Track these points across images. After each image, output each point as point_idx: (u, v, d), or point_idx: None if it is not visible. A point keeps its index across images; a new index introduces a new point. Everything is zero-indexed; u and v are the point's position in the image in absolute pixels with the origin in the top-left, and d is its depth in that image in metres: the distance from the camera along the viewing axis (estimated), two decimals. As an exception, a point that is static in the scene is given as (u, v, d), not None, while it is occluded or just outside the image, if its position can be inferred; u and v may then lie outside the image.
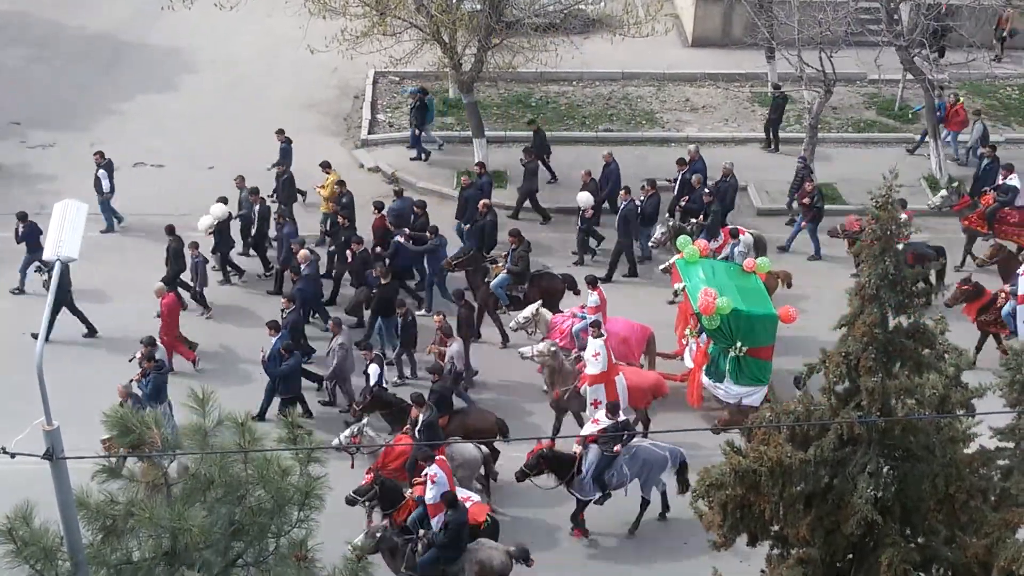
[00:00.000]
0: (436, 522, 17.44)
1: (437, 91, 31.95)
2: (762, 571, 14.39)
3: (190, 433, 10.34)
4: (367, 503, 18.21)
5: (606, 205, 26.40)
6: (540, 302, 22.45)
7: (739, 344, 20.93)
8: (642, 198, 25.49)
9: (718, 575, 14.38)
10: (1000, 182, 25.70)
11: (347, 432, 19.00)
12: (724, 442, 13.59)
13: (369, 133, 30.53)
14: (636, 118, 31.50)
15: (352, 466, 18.78)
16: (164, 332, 22.01)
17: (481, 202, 25.04)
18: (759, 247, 24.05)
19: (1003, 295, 22.36)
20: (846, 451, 13.12)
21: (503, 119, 31.14)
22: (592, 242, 26.03)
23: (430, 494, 17.45)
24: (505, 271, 23.37)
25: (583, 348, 20.96)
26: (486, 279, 23.49)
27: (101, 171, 25.60)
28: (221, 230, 24.23)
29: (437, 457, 17.83)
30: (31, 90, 31.41)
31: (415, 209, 24.90)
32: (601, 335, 20.51)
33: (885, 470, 13.09)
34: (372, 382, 20.41)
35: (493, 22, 26.84)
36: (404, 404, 19.84)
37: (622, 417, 19.10)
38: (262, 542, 10.56)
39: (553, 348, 20.89)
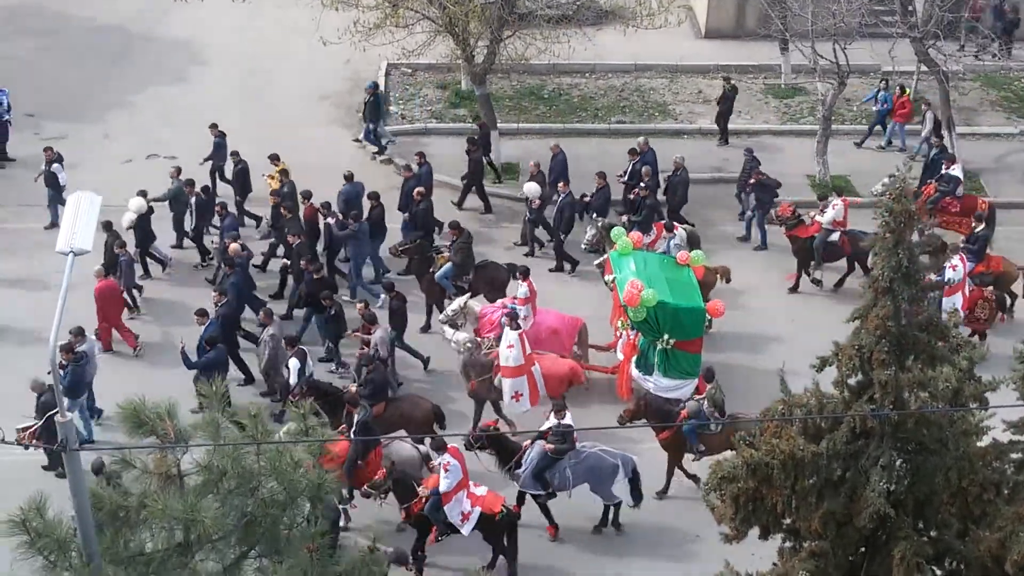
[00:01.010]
0: (450, 510, 17.48)
1: (450, 83, 31.94)
2: (774, 564, 14.37)
3: (203, 425, 10.36)
4: (382, 496, 18.23)
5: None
6: (468, 295, 22.42)
7: (666, 337, 20.89)
8: (593, 190, 25.42)
9: (730, 568, 14.36)
10: (942, 172, 25.81)
11: (286, 428, 18.77)
12: (738, 436, 13.58)
13: (383, 125, 30.49)
14: (649, 110, 31.45)
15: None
16: (102, 319, 22.07)
17: (416, 190, 25.02)
18: (692, 242, 23.87)
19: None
20: (859, 444, 13.09)
21: (515, 111, 31.10)
22: (542, 233, 25.89)
23: (444, 483, 17.47)
24: (449, 262, 23.38)
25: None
26: (431, 269, 23.47)
27: (56, 165, 25.62)
28: (141, 224, 24.16)
29: (449, 446, 17.85)
30: (43, 82, 31.48)
31: (371, 200, 24.80)
32: (518, 327, 20.52)
33: (898, 463, 13.06)
34: (292, 377, 20.37)
35: (506, 14, 26.83)
36: (340, 392, 19.73)
37: (567, 419, 18.90)
38: (274, 534, 10.58)
39: (469, 344, 20.95)
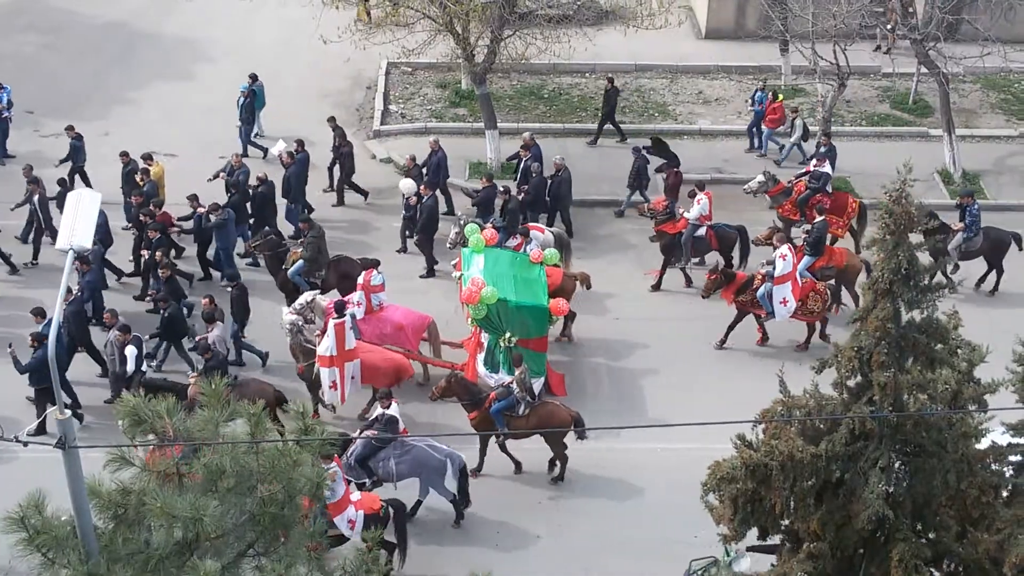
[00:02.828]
0: (339, 521, 17.26)
1: (450, 82, 31.93)
2: (772, 565, 14.38)
3: (202, 424, 10.36)
4: None
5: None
6: (318, 291, 22.40)
7: (508, 335, 21.01)
8: (478, 189, 25.41)
9: (729, 569, 14.37)
10: (811, 168, 26.01)
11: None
12: (735, 435, 13.58)
13: (381, 124, 30.52)
14: (649, 110, 31.45)
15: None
16: None
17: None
18: (561, 245, 23.78)
19: (759, 277, 22.75)
20: (858, 446, 13.11)
21: (515, 111, 31.10)
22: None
23: (329, 494, 16.80)
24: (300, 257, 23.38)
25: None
26: (283, 265, 23.42)
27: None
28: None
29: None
30: (45, 79, 31.47)
31: (258, 180, 24.90)
32: (342, 317, 20.59)
33: (897, 465, 13.09)
34: (130, 364, 20.36)
35: (506, 13, 26.82)
36: (178, 387, 19.56)
37: (392, 410, 18.95)
38: (273, 532, 10.58)
39: (290, 327, 21.01)
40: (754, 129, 29.65)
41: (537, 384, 21.01)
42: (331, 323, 20.43)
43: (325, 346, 20.44)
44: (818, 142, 27.28)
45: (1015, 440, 13.98)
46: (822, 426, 13.40)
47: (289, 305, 22.15)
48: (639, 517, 19.47)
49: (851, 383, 13.33)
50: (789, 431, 13.32)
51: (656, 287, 24.90)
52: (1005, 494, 13.44)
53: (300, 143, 26.32)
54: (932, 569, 13.16)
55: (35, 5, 35.26)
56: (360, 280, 22.07)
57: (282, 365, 22.22)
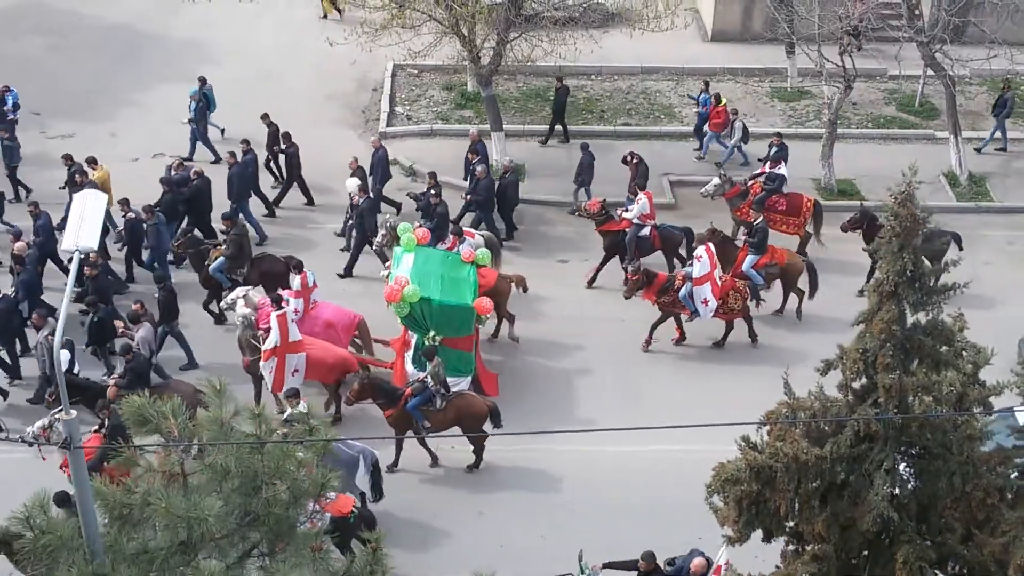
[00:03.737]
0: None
1: (456, 85, 31.94)
2: (777, 567, 14.37)
3: (207, 423, 10.38)
4: None
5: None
6: (251, 286, 22.42)
7: (432, 333, 21.10)
8: (424, 190, 25.34)
9: (733, 570, 14.36)
10: (766, 170, 26.20)
11: (38, 424, 18.55)
12: (740, 437, 13.58)
13: (387, 126, 30.53)
14: (655, 112, 31.44)
15: (43, 459, 17.63)
16: None
17: (193, 171, 25.15)
18: (491, 249, 23.69)
19: (679, 278, 22.94)
20: (863, 448, 13.10)
21: (521, 113, 31.11)
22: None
23: None
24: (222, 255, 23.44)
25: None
26: (205, 263, 23.48)
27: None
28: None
29: None
30: (51, 80, 31.51)
31: (193, 176, 24.95)
32: (281, 309, 20.75)
33: (902, 467, 13.08)
34: (63, 367, 20.26)
35: (512, 15, 26.85)
36: (98, 387, 19.65)
37: (302, 406, 18.87)
38: (278, 533, 10.60)
39: (242, 320, 21.17)
40: (700, 131, 29.67)
41: (464, 383, 21.16)
42: (273, 315, 20.58)
43: (271, 340, 20.58)
44: (770, 143, 27.25)
45: (1020, 442, 13.97)
46: (827, 428, 13.39)
47: (212, 302, 22.69)
48: (641, 518, 19.45)
49: (856, 385, 13.33)
50: (794, 433, 13.31)
51: (590, 283, 25.05)
52: (1010, 496, 13.41)
53: (246, 143, 26.46)
54: (937, 571, 13.15)
55: (40, 7, 35.31)
56: (297, 284, 22.04)
57: (213, 365, 22.21)
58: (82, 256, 11.44)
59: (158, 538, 10.07)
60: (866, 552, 13.46)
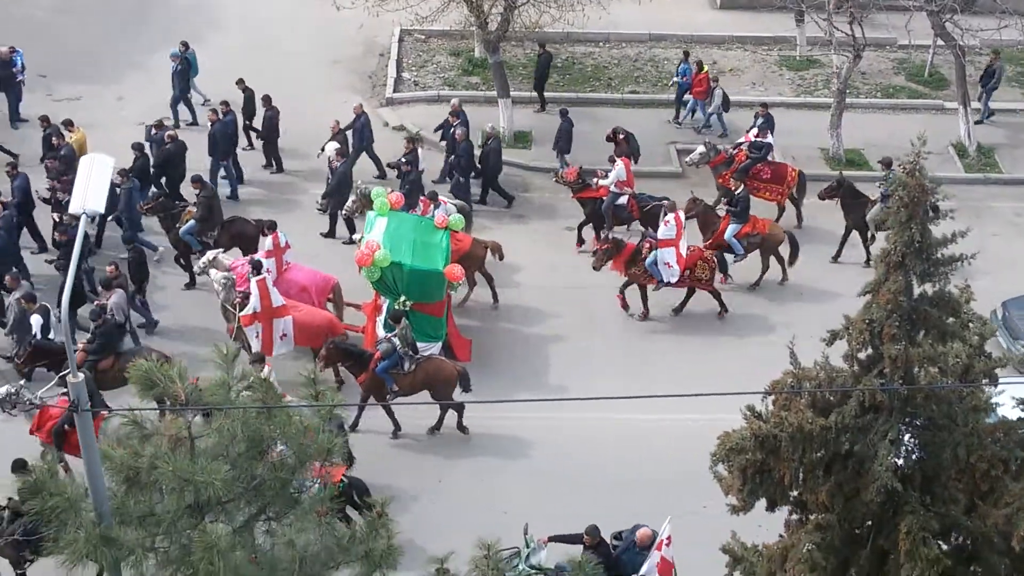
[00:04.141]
0: None
1: (463, 50, 31.79)
2: (780, 536, 14.41)
3: (214, 388, 10.42)
4: None
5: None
6: (221, 249, 22.49)
7: (403, 298, 21.12)
8: (401, 159, 25.28)
9: (736, 539, 14.41)
10: (751, 139, 26.15)
11: (2, 390, 18.58)
12: (744, 407, 13.60)
13: (394, 91, 30.45)
14: (663, 80, 31.29)
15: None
16: None
17: (167, 135, 25.18)
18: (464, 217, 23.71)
19: (647, 245, 22.94)
20: (867, 418, 13.10)
21: (529, 80, 30.96)
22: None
23: None
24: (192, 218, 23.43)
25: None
26: (176, 225, 23.46)
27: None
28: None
29: None
30: (57, 43, 31.38)
31: (134, 151, 24.75)
32: (260, 275, 20.78)
33: (906, 438, 13.08)
34: (37, 332, 20.37)
35: (520, -19, 26.71)
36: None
37: (265, 373, 18.59)
38: (283, 497, 10.65)
39: (224, 280, 21.21)
40: (680, 100, 29.54)
41: (435, 348, 21.20)
42: (253, 281, 20.66)
43: (250, 305, 20.66)
44: (756, 113, 27.15)
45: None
46: (832, 398, 13.39)
47: (179, 261, 22.98)
48: (609, 488, 19.53)
49: (862, 355, 13.30)
50: (799, 402, 13.32)
51: (580, 243, 25.29)
52: (1014, 468, 13.42)
53: (225, 104, 26.50)
54: (940, 542, 13.17)
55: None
56: (269, 244, 22.07)
57: (183, 328, 22.54)
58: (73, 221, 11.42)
59: (165, 501, 10.13)
60: (870, 522, 13.49)
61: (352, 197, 24.03)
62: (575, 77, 31.24)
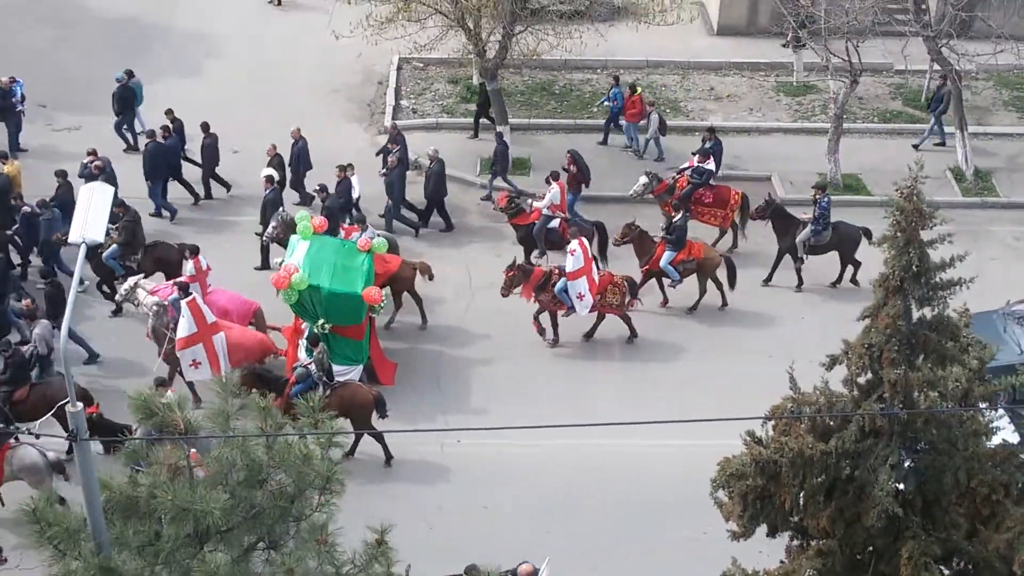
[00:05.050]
0: None
1: (461, 78, 31.92)
2: (781, 562, 14.38)
3: (213, 416, 10.41)
4: None
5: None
6: (142, 275, 22.47)
7: (322, 321, 21.17)
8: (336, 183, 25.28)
9: (737, 565, 14.36)
10: (693, 164, 26.14)
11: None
12: (744, 432, 13.59)
13: (393, 119, 30.51)
14: (660, 106, 31.36)
15: None
16: None
17: (95, 164, 24.97)
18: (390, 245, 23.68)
19: (556, 272, 22.94)
20: (868, 443, 13.09)
21: (527, 106, 31.07)
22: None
23: None
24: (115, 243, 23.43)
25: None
26: (99, 250, 23.26)
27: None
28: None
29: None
30: (58, 72, 31.51)
31: (57, 178, 24.69)
32: (189, 295, 20.86)
33: (907, 463, 13.06)
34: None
35: (518, 8, 26.81)
36: None
37: (170, 394, 18.81)
38: (283, 525, 10.62)
39: (156, 308, 21.21)
40: (610, 125, 29.55)
41: (356, 372, 21.28)
42: (183, 304, 20.69)
43: (183, 327, 20.67)
44: (703, 137, 27.12)
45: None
46: (832, 423, 13.39)
47: (102, 288, 22.96)
48: (647, 514, 19.49)
49: (861, 380, 13.31)
50: (799, 428, 13.31)
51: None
52: (1015, 493, 13.39)
53: (165, 128, 26.70)
54: (941, 567, 13.14)
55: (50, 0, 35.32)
56: (191, 269, 22.13)
57: (107, 358, 22.48)
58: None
59: (164, 531, 10.10)
60: (871, 547, 13.46)
61: (272, 224, 23.99)
62: (572, 103, 31.33)
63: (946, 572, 13.29)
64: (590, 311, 22.96)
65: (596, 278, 22.86)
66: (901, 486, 12.83)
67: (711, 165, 26.11)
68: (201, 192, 27.20)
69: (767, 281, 25.10)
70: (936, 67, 29.02)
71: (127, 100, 28.53)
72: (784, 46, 32.24)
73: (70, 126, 29.33)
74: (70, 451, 18.23)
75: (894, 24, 28.55)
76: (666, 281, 24.22)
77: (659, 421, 19.89)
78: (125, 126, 28.68)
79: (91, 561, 9.91)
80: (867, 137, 30.12)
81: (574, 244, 22.77)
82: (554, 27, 27.64)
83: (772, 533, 13.94)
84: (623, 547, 19.02)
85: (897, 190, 12.85)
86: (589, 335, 23.59)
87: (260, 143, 26.74)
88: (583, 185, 26.35)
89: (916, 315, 12.96)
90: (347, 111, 30.91)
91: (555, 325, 23.38)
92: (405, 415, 21.11)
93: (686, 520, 19.25)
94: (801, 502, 13.31)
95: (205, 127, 26.94)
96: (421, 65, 32.42)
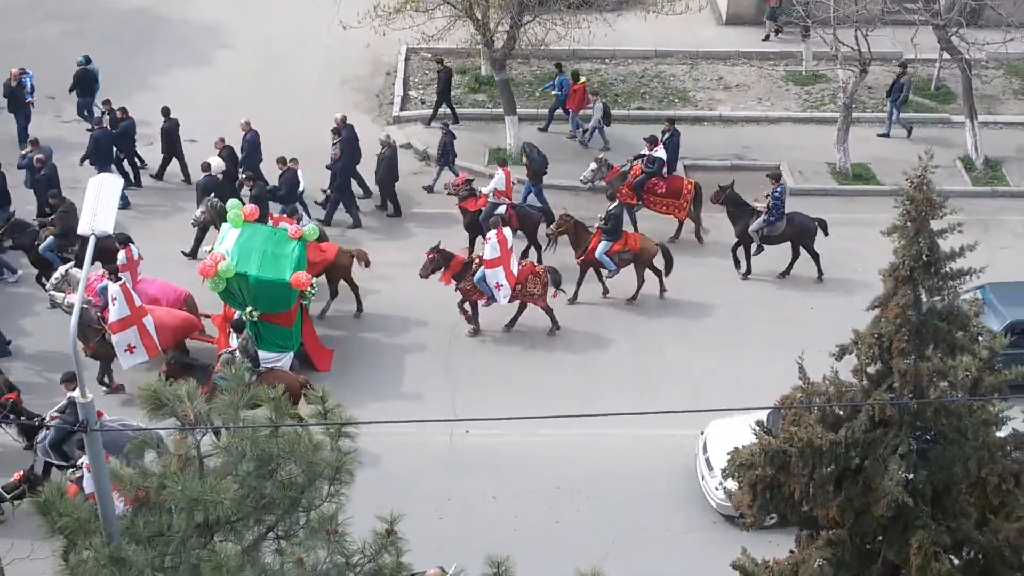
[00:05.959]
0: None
1: (469, 68, 31.89)
2: (791, 551, 14.38)
3: (223, 408, 10.42)
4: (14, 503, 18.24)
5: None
6: (72, 263, 22.34)
7: (250, 309, 21.22)
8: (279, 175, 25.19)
9: (747, 554, 14.37)
10: (646, 153, 25.93)
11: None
12: (755, 422, 13.58)
13: (401, 109, 30.53)
14: (669, 96, 31.34)
15: None
16: None
17: (36, 157, 24.99)
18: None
19: (477, 261, 22.86)
20: (877, 433, 13.08)
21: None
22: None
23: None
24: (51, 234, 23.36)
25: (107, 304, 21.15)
26: (36, 243, 23.33)
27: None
28: None
29: None
30: (67, 64, 31.48)
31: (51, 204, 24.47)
32: (118, 279, 20.81)
33: (916, 452, 13.04)
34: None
35: (526, -1, 26.79)
36: None
37: (76, 394, 18.79)
38: (292, 516, 10.63)
39: (83, 304, 20.90)
40: (553, 112, 29.53)
41: (286, 359, 21.31)
42: (116, 287, 20.62)
43: (115, 311, 20.61)
44: (663, 129, 26.97)
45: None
46: (841, 413, 13.37)
47: (40, 281, 22.74)
48: (657, 503, 19.50)
49: (871, 370, 13.29)
50: (808, 418, 13.30)
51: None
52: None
53: (123, 110, 26.78)
54: (951, 556, 13.12)
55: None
56: (122, 258, 22.06)
57: (42, 352, 22.43)
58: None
59: (174, 521, 10.12)
60: (881, 537, 13.45)
61: (200, 209, 23.99)
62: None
63: (956, 562, 13.27)
64: (509, 301, 22.84)
65: (515, 269, 22.71)
66: (911, 476, 12.81)
67: (661, 152, 25.87)
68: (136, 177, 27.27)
69: (746, 274, 24.93)
70: (946, 56, 28.93)
71: (88, 83, 28.66)
72: (764, 39, 32.54)
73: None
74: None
75: (903, 13, 28.46)
76: (604, 272, 24.08)
77: (669, 411, 19.98)
78: (86, 111, 28.79)
79: (102, 551, 9.93)
80: (876, 126, 30.03)
81: (491, 233, 22.68)
82: (562, 17, 27.60)
83: (782, 523, 13.94)
84: (634, 537, 19.04)
85: (907, 179, 12.82)
86: (510, 325, 23.42)
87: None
88: (540, 176, 26.15)
89: (926, 305, 12.93)
90: (356, 102, 30.89)
91: (475, 314, 23.23)
92: (413, 405, 21.14)
93: (696, 510, 19.30)
94: (810, 492, 13.29)
95: (165, 111, 27.02)
96: (429, 55, 32.34)
